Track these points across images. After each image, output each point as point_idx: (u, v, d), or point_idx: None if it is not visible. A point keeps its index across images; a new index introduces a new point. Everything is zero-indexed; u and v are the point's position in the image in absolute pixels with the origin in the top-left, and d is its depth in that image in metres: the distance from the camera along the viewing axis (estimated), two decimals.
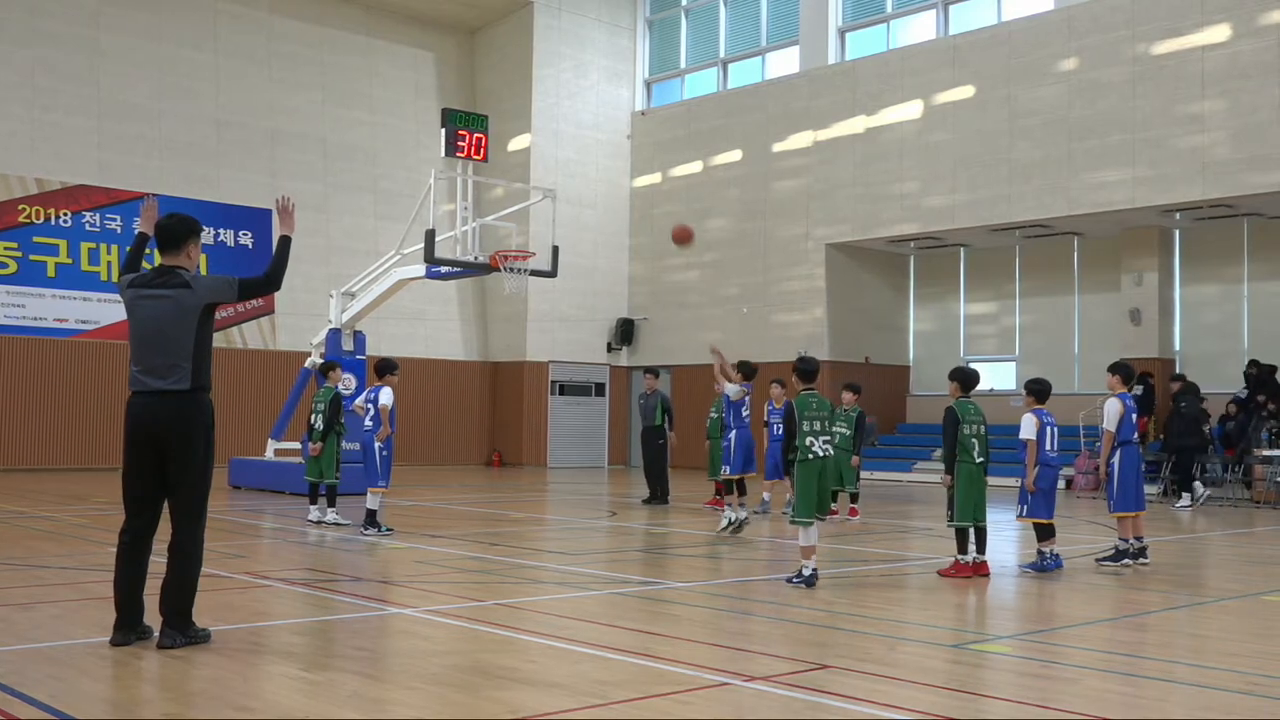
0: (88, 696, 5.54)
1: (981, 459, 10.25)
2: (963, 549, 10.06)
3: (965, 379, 10.63)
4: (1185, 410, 19.53)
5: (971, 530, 10.11)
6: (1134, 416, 11.15)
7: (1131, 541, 10.87)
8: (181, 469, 6.59)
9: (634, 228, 30.75)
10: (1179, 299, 23.97)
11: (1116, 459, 11.00)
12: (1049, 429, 10.72)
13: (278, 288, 6.99)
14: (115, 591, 6.64)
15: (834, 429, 15.69)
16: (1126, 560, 10.78)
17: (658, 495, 17.96)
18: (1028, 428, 10.67)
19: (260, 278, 6.89)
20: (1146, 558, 10.90)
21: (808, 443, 9.39)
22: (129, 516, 6.70)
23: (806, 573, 9.26)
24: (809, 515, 9.31)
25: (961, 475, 10.17)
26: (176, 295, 6.59)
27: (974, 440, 10.21)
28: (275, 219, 7.05)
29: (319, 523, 13.80)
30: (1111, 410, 11.07)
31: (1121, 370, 11.35)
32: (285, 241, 7.02)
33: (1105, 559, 11.00)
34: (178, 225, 6.78)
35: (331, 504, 13.90)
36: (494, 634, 7.24)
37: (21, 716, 5.10)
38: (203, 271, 17.90)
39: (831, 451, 9.51)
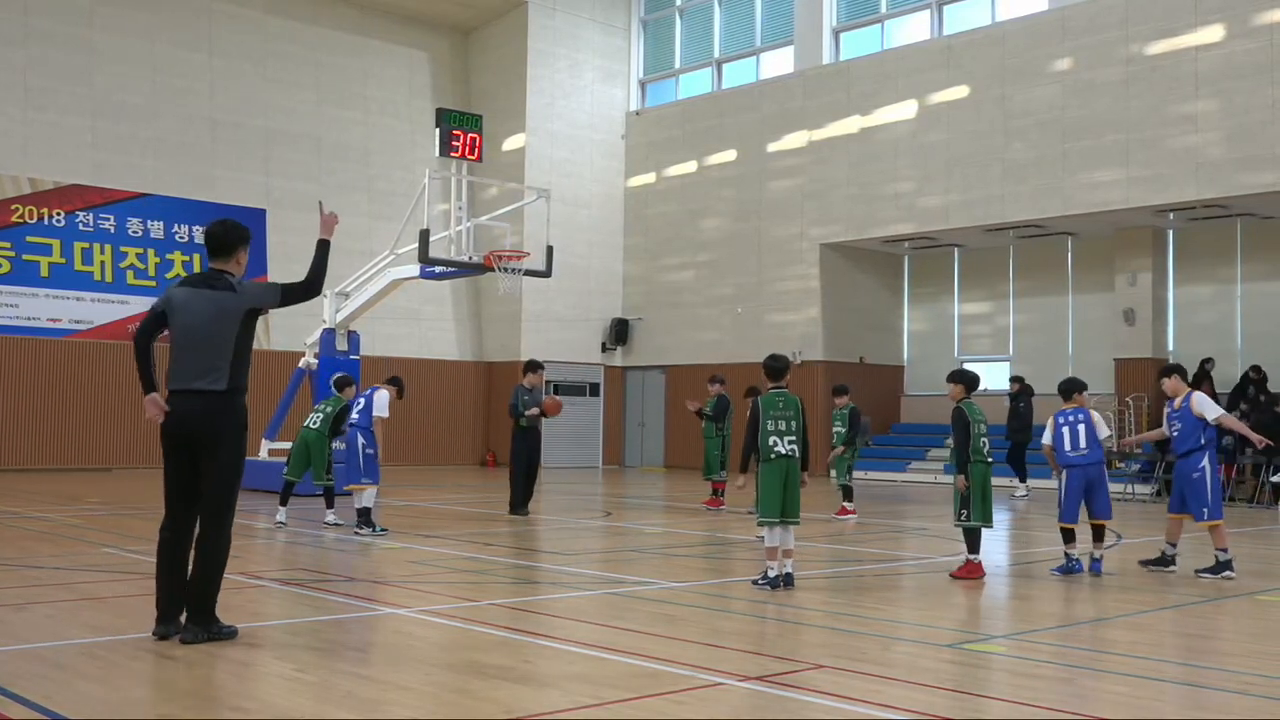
0: (82, 697, 5.53)
1: (992, 459, 10.17)
2: (975, 549, 9.96)
3: (968, 380, 10.42)
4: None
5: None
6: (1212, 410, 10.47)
7: (1216, 552, 10.23)
8: (211, 468, 6.74)
9: (628, 228, 30.74)
10: (1173, 299, 24.01)
11: (1206, 462, 10.29)
12: (1068, 428, 10.34)
13: (319, 293, 7.18)
14: (156, 587, 6.81)
15: (834, 429, 15.80)
16: (1228, 573, 10.14)
17: (523, 502, 16.00)
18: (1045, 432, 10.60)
19: (302, 283, 7.09)
20: (1175, 565, 10.50)
21: (770, 442, 9.17)
22: (167, 513, 6.86)
23: (771, 574, 9.14)
24: (773, 516, 9.15)
25: (977, 475, 10.02)
26: (221, 298, 6.78)
27: (984, 440, 10.10)
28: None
29: (282, 525, 13.27)
30: (1206, 402, 10.38)
31: (1177, 372, 10.79)
32: (323, 245, 7.19)
33: (1205, 570, 10.37)
34: (229, 232, 6.99)
35: (329, 505, 13.85)
36: (488, 634, 7.24)
37: (15, 717, 5.09)
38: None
39: (797, 452, 9.22)
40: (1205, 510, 10.23)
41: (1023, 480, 20.57)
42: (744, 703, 5.71)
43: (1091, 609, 8.88)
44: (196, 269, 25.42)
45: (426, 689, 5.77)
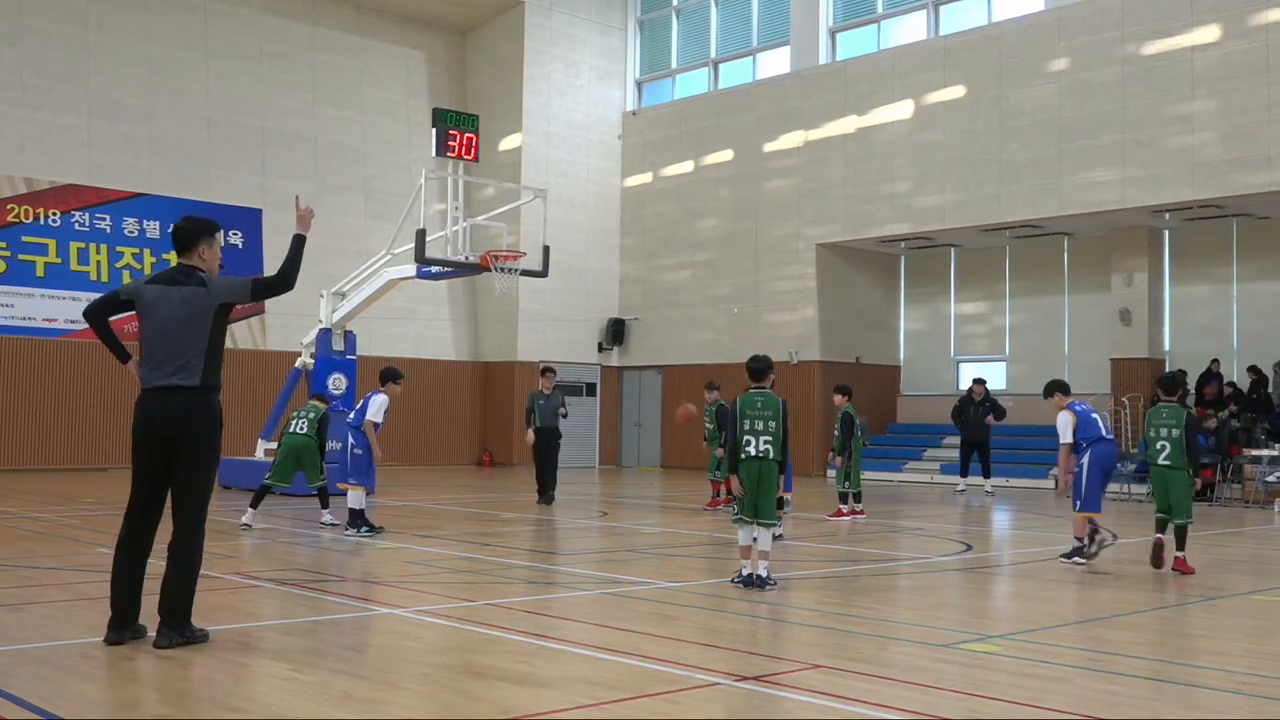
0: (78, 698, 5.52)
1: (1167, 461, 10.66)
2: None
3: (1167, 384, 11.21)
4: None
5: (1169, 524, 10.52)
6: (1094, 416, 11.23)
7: (1074, 539, 11.03)
8: (185, 468, 6.64)
9: (625, 228, 30.74)
10: (1169, 299, 24.03)
11: (1085, 459, 10.98)
12: (1097, 415, 11.16)
13: (291, 287, 6.91)
14: (112, 589, 6.64)
15: (835, 432, 15.77)
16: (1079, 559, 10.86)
17: (548, 494, 17.77)
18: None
19: (274, 277, 6.89)
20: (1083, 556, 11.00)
21: (744, 441, 9.14)
22: (130, 513, 6.72)
23: (745, 573, 9.17)
24: (745, 515, 9.18)
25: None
26: (192, 295, 6.66)
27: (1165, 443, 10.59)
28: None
29: (247, 527, 13.01)
30: (1064, 422, 11.16)
31: (1059, 388, 11.61)
32: (299, 241, 6.99)
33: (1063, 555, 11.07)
34: (192, 227, 6.88)
35: (324, 505, 13.83)
36: (485, 634, 7.23)
37: (12, 718, 5.08)
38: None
39: (772, 453, 9.11)
40: (1078, 502, 10.96)
41: (964, 475, 21.60)
42: (740, 703, 5.71)
43: (1088, 608, 8.89)
44: None
45: (423, 689, 5.77)
